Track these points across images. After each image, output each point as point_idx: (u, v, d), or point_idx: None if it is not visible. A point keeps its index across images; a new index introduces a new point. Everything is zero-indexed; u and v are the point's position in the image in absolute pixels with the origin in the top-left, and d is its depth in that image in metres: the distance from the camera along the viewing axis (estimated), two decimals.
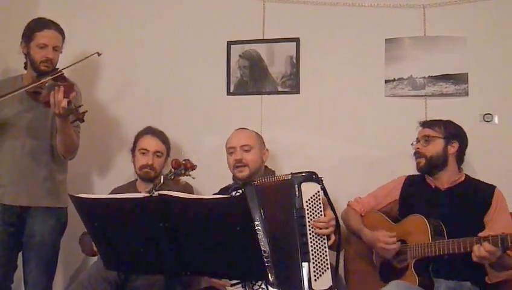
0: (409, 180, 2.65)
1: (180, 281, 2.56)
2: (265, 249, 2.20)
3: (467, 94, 2.88)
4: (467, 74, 2.88)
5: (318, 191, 2.29)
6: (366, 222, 2.62)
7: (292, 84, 3.10)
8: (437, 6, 2.94)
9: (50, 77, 2.55)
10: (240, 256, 1.83)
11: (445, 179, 2.53)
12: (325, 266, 2.21)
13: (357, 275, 2.63)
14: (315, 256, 2.22)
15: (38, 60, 2.62)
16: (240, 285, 2.24)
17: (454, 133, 2.55)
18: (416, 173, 2.61)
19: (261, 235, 2.22)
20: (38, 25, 2.67)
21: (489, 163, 2.80)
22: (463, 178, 2.54)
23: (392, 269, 2.45)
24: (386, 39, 2.98)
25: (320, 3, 3.08)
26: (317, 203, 2.28)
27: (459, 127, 2.58)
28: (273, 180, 2.37)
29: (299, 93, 3.09)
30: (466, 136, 2.58)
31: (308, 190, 2.29)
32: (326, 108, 3.07)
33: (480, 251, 2.10)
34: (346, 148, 3.02)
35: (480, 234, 2.14)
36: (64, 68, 2.66)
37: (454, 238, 2.23)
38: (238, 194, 2.37)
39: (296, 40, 3.09)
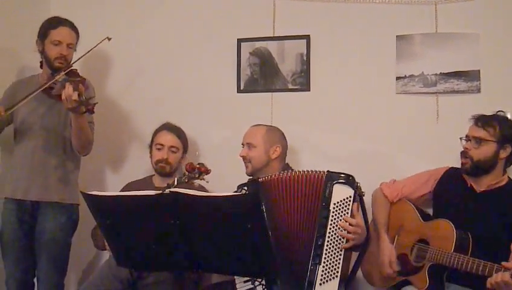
0: (448, 175, 2.54)
1: (191, 278, 2.58)
2: None
3: (479, 91, 2.85)
4: (479, 70, 2.85)
5: (350, 197, 2.21)
6: (394, 211, 2.57)
7: (302, 81, 3.09)
8: (449, 2, 2.91)
9: (63, 73, 2.59)
10: (251, 253, 1.83)
11: (485, 182, 2.41)
12: (334, 273, 2.15)
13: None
14: (327, 260, 2.16)
15: (53, 56, 2.68)
16: (250, 282, 2.23)
17: (510, 135, 2.38)
18: (456, 166, 2.53)
19: None
20: (52, 22, 2.72)
21: None
22: (504, 182, 2.41)
23: (408, 264, 2.42)
24: (397, 36, 2.96)
25: (330, 0, 3.07)
26: (346, 209, 2.20)
27: None
28: (282, 176, 2.32)
29: (309, 90, 3.08)
30: None
31: (340, 192, 2.22)
32: (337, 105, 3.06)
33: (497, 278, 2.02)
34: (356, 145, 3.00)
35: (504, 264, 2.05)
36: (77, 60, 2.69)
37: (475, 258, 2.15)
38: (243, 191, 2.36)
39: (307, 38, 3.08)
